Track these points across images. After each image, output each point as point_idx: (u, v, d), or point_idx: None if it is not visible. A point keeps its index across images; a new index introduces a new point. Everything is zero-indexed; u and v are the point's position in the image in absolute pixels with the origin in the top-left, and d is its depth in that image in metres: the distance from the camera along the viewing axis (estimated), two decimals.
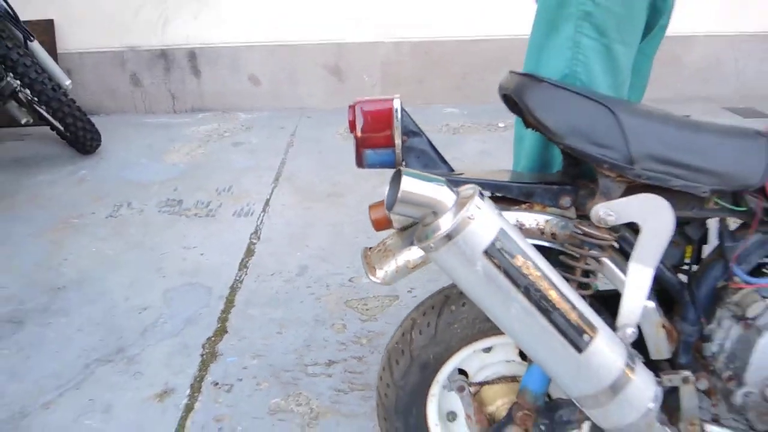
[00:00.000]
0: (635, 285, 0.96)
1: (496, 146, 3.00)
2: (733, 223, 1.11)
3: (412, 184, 0.81)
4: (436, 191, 0.82)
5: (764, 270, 1.10)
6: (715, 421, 1.13)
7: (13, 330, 1.82)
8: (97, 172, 2.87)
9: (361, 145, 1.04)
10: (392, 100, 1.03)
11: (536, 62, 1.22)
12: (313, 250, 2.18)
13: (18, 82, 2.60)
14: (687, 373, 1.06)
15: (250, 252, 2.19)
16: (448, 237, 0.81)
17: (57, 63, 3.05)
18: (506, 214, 1.01)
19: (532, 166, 1.28)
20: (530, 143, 1.28)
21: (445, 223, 0.81)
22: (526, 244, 0.85)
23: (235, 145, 3.15)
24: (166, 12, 3.42)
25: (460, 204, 0.82)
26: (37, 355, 1.72)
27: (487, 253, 0.81)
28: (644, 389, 0.90)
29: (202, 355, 1.70)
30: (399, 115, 1.02)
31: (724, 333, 1.08)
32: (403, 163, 1.04)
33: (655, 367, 1.10)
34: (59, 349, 1.74)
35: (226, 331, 1.79)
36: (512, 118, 1.18)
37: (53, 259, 2.18)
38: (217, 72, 3.55)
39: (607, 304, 1.04)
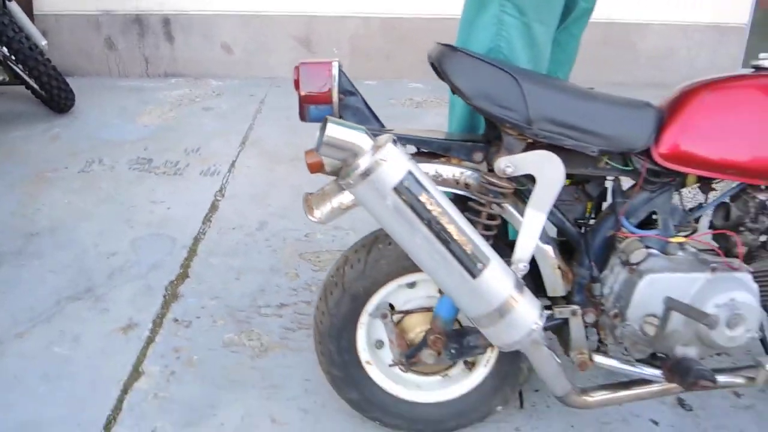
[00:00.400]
0: (529, 226, 1.14)
1: None
2: (626, 182, 1.29)
3: (335, 130, 0.97)
4: (356, 137, 0.98)
5: (653, 225, 1.28)
6: (603, 352, 1.32)
7: None
8: (71, 131, 2.98)
9: (303, 101, 1.20)
10: (331, 62, 1.19)
11: (467, 36, 1.39)
12: (274, 208, 2.33)
13: None
14: (575, 307, 1.24)
15: (214, 208, 2.34)
16: (364, 175, 0.97)
17: (34, 24, 3.14)
18: (428, 166, 1.19)
19: (462, 128, 1.46)
20: (459, 109, 1.45)
21: (363, 164, 0.97)
22: (432, 186, 1.01)
23: (206, 109, 3.27)
24: None
25: (376, 148, 0.98)
26: (12, 293, 1.86)
27: (396, 189, 0.98)
28: (528, 313, 1.08)
29: (164, 296, 1.86)
30: (337, 76, 1.18)
31: (613, 276, 1.26)
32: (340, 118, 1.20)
33: (552, 303, 1.29)
34: (32, 288, 1.88)
35: (188, 276, 1.95)
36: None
37: (27, 209, 2.31)
38: (190, 39, 3.65)
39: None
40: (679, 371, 1.18)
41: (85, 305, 1.82)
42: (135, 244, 2.11)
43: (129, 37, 3.65)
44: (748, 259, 1.29)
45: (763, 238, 1.29)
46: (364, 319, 1.31)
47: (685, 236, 1.25)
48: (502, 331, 1.09)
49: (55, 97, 2.94)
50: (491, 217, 1.17)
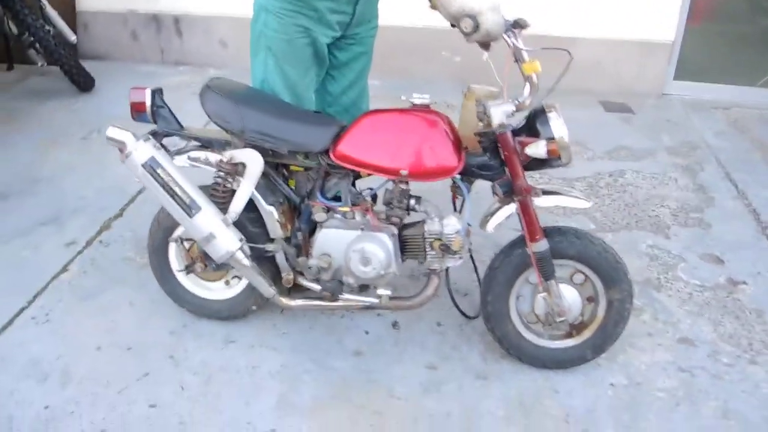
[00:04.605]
0: (242, 192, 1.91)
1: None
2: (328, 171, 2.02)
3: (111, 131, 1.82)
4: (123, 136, 1.82)
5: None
6: (301, 273, 2.07)
7: (2, 200, 2.95)
8: (88, 106, 3.97)
9: (132, 110, 2.02)
10: (146, 88, 2.01)
11: (253, 72, 2.15)
12: None
13: (32, 38, 3.71)
14: (278, 244, 2.01)
15: None
16: (126, 156, 1.81)
17: (76, 19, 4.17)
18: (202, 152, 1.99)
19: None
20: None
21: (125, 150, 1.81)
22: (167, 164, 1.84)
23: (193, 94, 4.16)
24: None
25: (134, 142, 1.81)
26: (8, 218, 2.83)
27: (143, 165, 1.81)
28: (227, 242, 1.87)
29: (100, 227, 2.77)
30: (150, 96, 1.99)
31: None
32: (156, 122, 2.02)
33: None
34: (22, 215, 2.85)
35: (122, 216, 2.86)
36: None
37: (37, 162, 3.30)
38: (194, 35, 4.56)
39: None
40: (322, 287, 1.96)
41: (50, 229, 2.77)
42: (99, 192, 3.05)
43: (148, 31, 4.60)
44: (407, 227, 2.01)
45: (417, 214, 2.00)
46: (171, 244, 2.15)
47: (353, 207, 1.98)
48: (212, 250, 1.90)
49: (76, 79, 3.94)
50: (225, 186, 1.97)
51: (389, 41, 1.91)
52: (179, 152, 2.03)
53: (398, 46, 4.34)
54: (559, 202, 1.89)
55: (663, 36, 4.27)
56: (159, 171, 1.82)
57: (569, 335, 2.04)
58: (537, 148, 1.76)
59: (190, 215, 1.85)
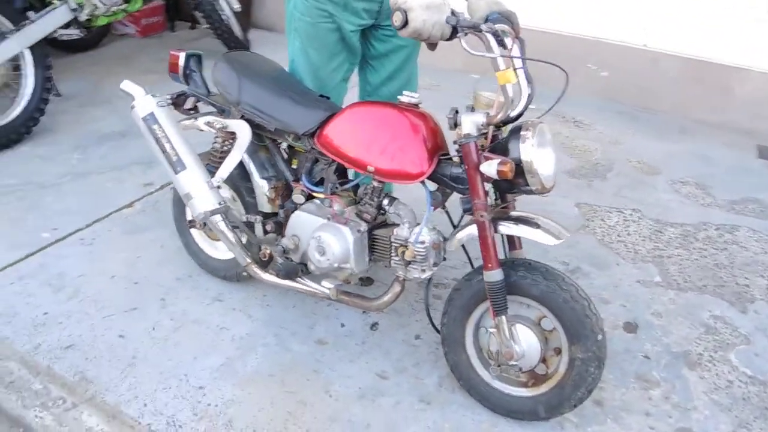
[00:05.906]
0: (229, 160, 2.00)
1: None
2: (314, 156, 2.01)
3: (125, 85, 2.01)
4: (133, 90, 2.00)
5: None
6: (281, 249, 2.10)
7: (119, 137, 3.41)
8: None
9: (169, 69, 2.22)
10: (183, 53, 2.18)
11: (288, 51, 2.22)
12: None
13: (193, 2, 4.17)
14: (258, 216, 2.07)
15: None
16: (132, 108, 1.99)
17: None
18: (212, 117, 2.11)
19: None
20: None
21: (132, 103, 1.99)
22: (166, 121, 1.98)
23: None
24: None
25: (140, 97, 1.99)
26: (117, 150, 3.27)
27: (143, 119, 1.98)
28: (204, 203, 1.97)
29: None
30: (183, 59, 2.17)
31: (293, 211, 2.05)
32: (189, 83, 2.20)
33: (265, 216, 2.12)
34: (124, 152, 3.26)
35: None
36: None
37: None
38: None
39: None
40: (274, 266, 1.98)
41: (139, 168, 3.13)
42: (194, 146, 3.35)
43: None
44: (379, 226, 1.95)
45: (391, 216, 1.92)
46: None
47: (331, 195, 1.96)
48: (191, 207, 2.02)
49: (227, 44, 4.34)
50: (222, 150, 2.08)
51: (529, 45, 1.82)
52: (203, 115, 2.18)
53: (538, 52, 4.10)
54: (521, 233, 1.69)
55: None
56: (155, 126, 1.98)
57: (525, 384, 1.83)
58: (489, 167, 1.60)
59: (176, 172, 1.99)
